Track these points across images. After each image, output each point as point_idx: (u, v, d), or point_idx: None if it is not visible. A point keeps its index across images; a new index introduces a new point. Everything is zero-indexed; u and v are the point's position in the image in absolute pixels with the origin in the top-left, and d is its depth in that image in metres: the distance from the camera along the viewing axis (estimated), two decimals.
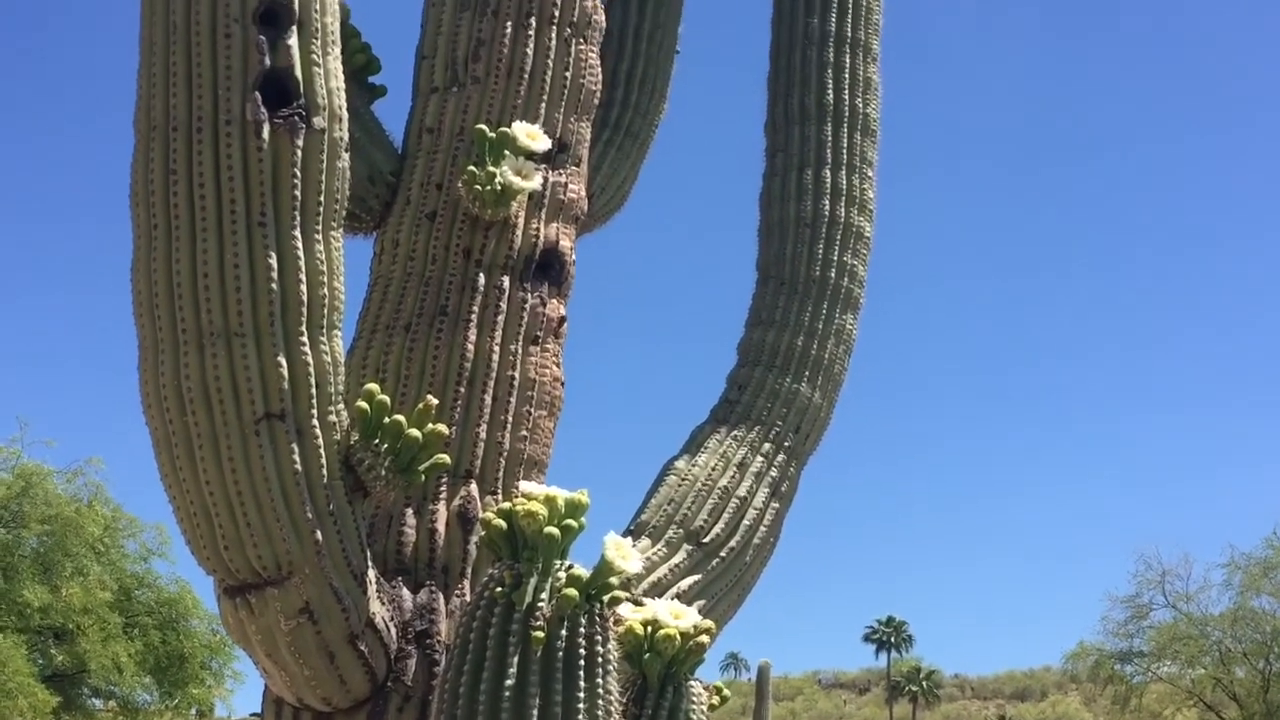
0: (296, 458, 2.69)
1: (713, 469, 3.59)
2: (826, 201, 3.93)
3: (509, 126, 3.24)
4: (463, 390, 3.16)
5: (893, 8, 4.27)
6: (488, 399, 3.18)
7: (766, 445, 3.69)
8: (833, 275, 3.88)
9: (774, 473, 3.68)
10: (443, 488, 3.09)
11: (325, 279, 2.75)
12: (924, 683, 62.91)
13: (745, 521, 3.59)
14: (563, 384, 3.34)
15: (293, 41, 2.75)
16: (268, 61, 2.72)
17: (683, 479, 3.56)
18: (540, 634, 2.40)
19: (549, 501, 2.58)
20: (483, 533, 2.79)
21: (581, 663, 2.42)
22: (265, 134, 2.69)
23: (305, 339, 2.70)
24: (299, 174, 2.71)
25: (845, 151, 4.00)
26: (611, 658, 2.46)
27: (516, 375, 3.22)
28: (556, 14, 3.41)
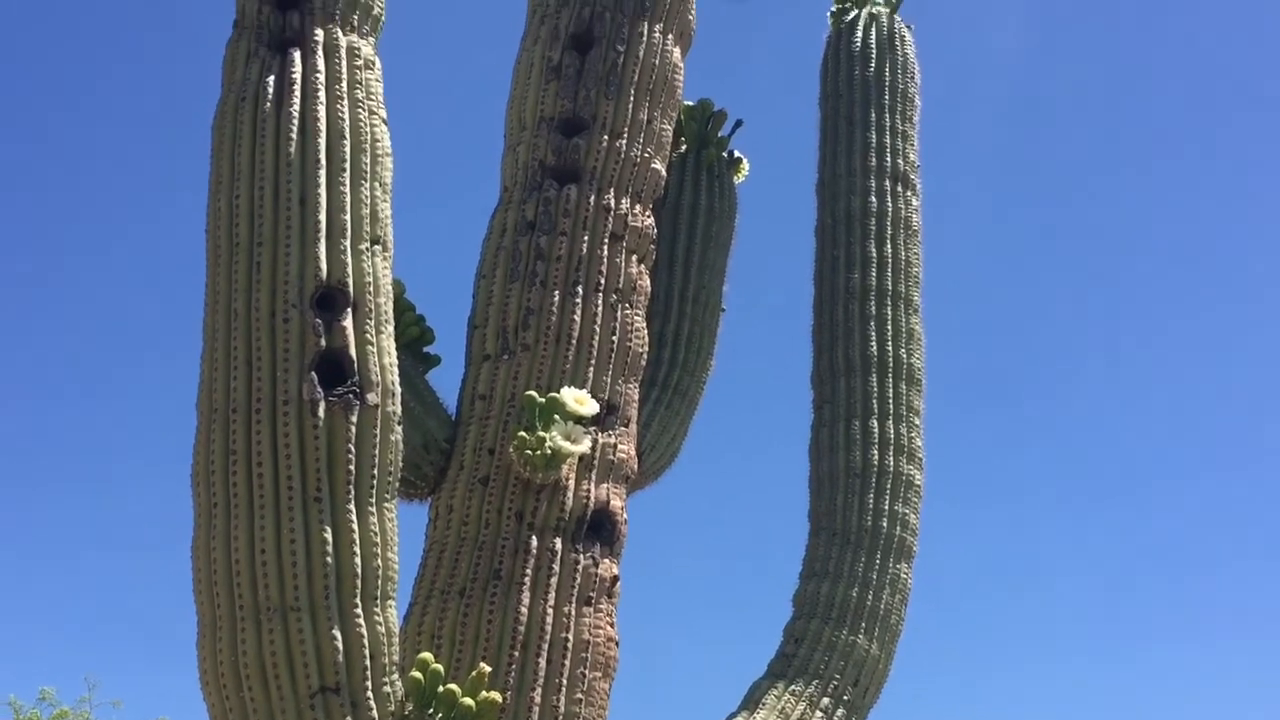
0: None
1: None
2: (875, 451, 3.99)
3: (558, 392, 3.33)
4: (517, 654, 3.18)
5: (932, 257, 4.40)
6: (542, 663, 3.19)
7: (825, 700, 3.66)
8: (885, 525, 3.91)
9: None
10: None
11: (379, 551, 2.81)
12: None
13: None
14: (617, 644, 3.35)
15: (347, 323, 2.88)
16: (323, 343, 2.84)
17: None
18: None
19: None
20: None
21: None
22: (321, 412, 2.79)
23: (360, 611, 2.75)
24: (353, 450, 2.80)
25: (891, 401, 4.07)
26: None
27: (570, 637, 3.24)
28: (603, 282, 3.54)
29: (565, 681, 3.20)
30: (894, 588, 3.88)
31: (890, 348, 4.12)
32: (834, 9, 4.66)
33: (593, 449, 3.40)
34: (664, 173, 3.78)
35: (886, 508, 3.93)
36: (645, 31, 3.72)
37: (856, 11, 4.57)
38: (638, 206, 3.66)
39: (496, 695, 2.89)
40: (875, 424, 4.02)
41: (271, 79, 2.98)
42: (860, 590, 3.82)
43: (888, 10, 4.59)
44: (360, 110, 3.03)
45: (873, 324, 4.14)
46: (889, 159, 4.35)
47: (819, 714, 3.63)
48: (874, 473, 3.96)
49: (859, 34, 4.49)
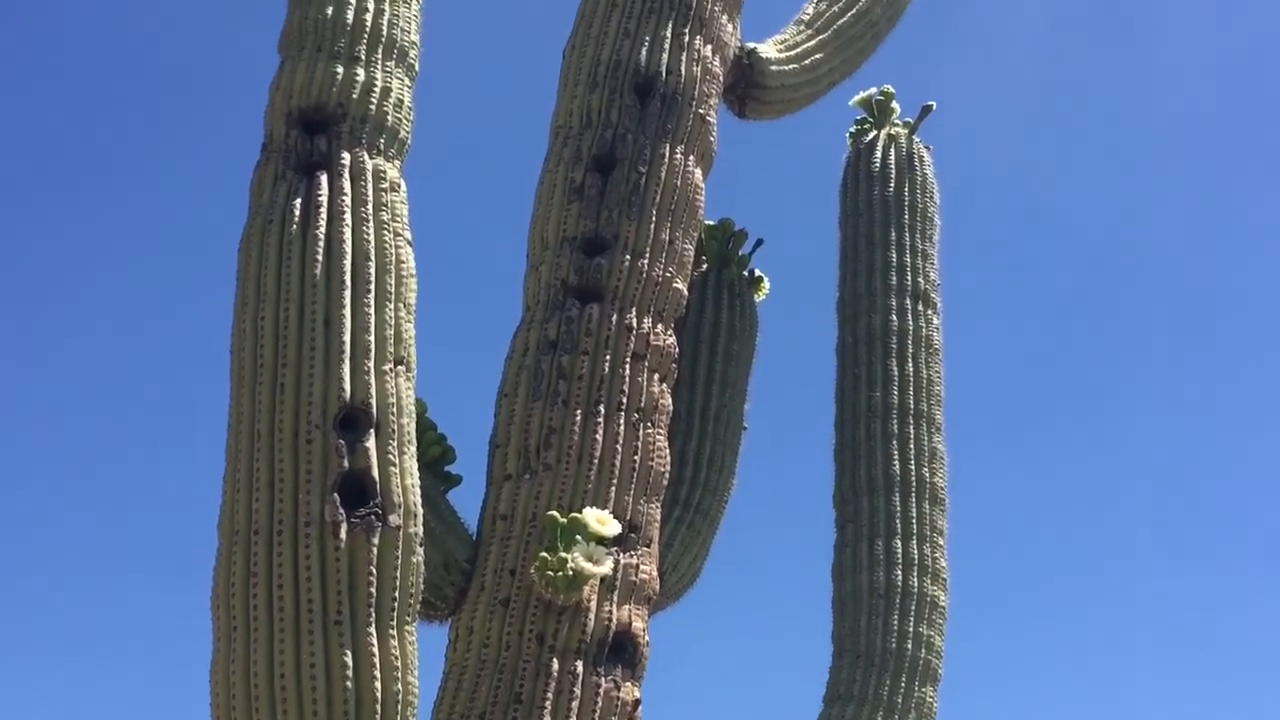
0: None
1: None
2: (899, 572, 3.96)
3: (580, 512, 3.31)
4: None
5: (954, 375, 4.40)
6: None
7: None
8: (909, 647, 3.86)
9: None
10: None
11: (399, 674, 2.78)
12: None
13: None
14: None
15: (370, 444, 2.88)
16: (346, 464, 2.84)
17: None
18: None
19: None
20: None
21: None
22: (343, 534, 2.78)
23: None
24: (375, 571, 2.79)
25: (915, 521, 4.05)
26: None
27: None
28: (625, 401, 3.53)
29: None
30: (919, 712, 3.82)
31: (913, 467, 4.11)
32: (853, 130, 4.72)
33: (614, 570, 3.37)
34: (685, 292, 3.79)
35: (911, 629, 3.89)
36: (667, 153, 3.76)
37: (875, 132, 4.63)
38: (659, 325, 3.66)
39: None
40: (899, 544, 3.99)
41: (298, 201, 3.01)
42: (885, 714, 3.77)
43: (906, 131, 4.65)
44: (385, 232, 3.05)
45: (895, 443, 4.13)
46: (909, 278, 4.37)
47: None
48: (898, 593, 3.92)
49: (878, 154, 4.54)
